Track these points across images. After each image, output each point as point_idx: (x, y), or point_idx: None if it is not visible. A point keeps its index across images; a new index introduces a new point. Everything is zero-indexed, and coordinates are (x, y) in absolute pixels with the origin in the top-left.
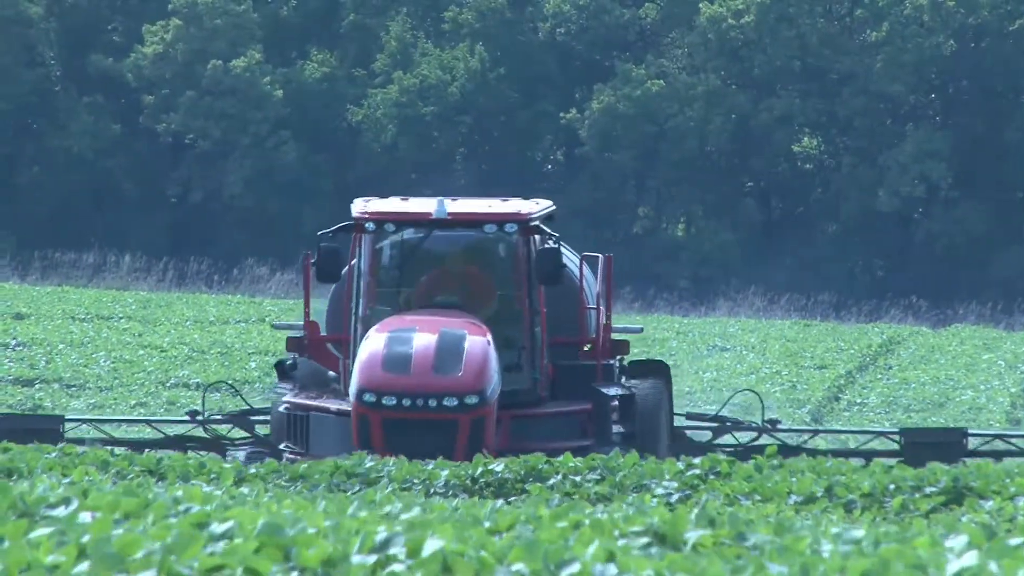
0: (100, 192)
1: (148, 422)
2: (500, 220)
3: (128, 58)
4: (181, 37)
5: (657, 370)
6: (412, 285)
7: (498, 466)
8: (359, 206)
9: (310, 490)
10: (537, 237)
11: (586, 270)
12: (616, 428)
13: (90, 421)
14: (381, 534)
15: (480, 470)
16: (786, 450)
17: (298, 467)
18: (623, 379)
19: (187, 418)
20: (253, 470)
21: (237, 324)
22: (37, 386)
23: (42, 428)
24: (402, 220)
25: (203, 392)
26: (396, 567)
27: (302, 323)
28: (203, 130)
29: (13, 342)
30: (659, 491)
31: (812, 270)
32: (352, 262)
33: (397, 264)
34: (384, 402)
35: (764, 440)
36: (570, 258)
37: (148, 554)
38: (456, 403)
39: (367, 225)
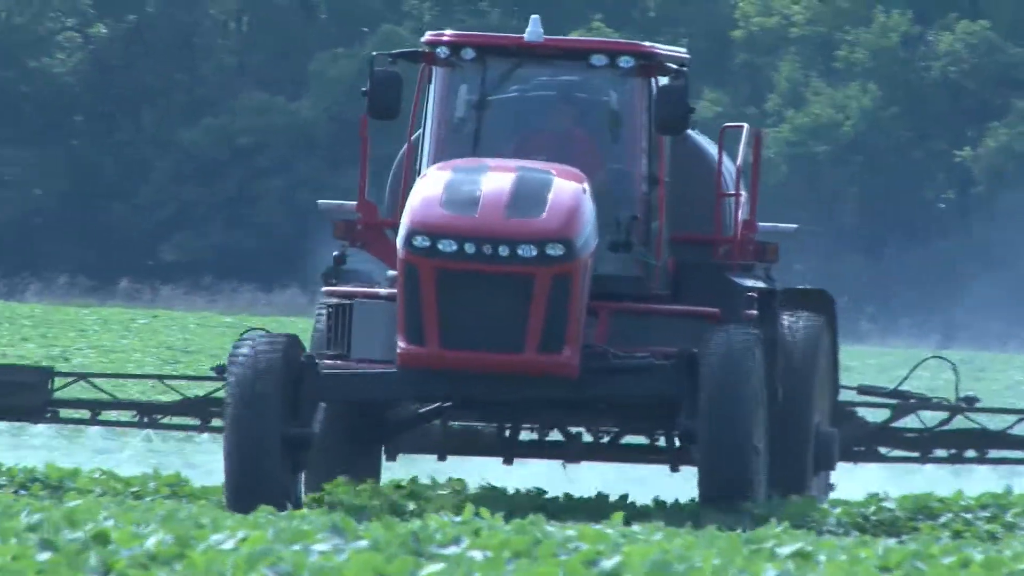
0: None
1: (160, 378)
2: (613, 51)
3: None
4: None
5: (815, 302)
6: (494, 139)
7: (890, 503)
8: (432, 32)
9: (700, 528)
10: (662, 80)
11: (726, 157)
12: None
13: (86, 376)
14: (768, 573)
15: (872, 508)
16: (986, 436)
17: (687, 506)
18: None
19: (213, 374)
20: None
21: None
22: None
23: (27, 382)
24: (484, 45)
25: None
26: None
27: (355, 204)
28: None
29: None
30: None
31: None
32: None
33: (476, 107)
34: (440, 247)
35: (958, 423)
36: (703, 136)
37: None
38: (535, 253)
39: (438, 51)
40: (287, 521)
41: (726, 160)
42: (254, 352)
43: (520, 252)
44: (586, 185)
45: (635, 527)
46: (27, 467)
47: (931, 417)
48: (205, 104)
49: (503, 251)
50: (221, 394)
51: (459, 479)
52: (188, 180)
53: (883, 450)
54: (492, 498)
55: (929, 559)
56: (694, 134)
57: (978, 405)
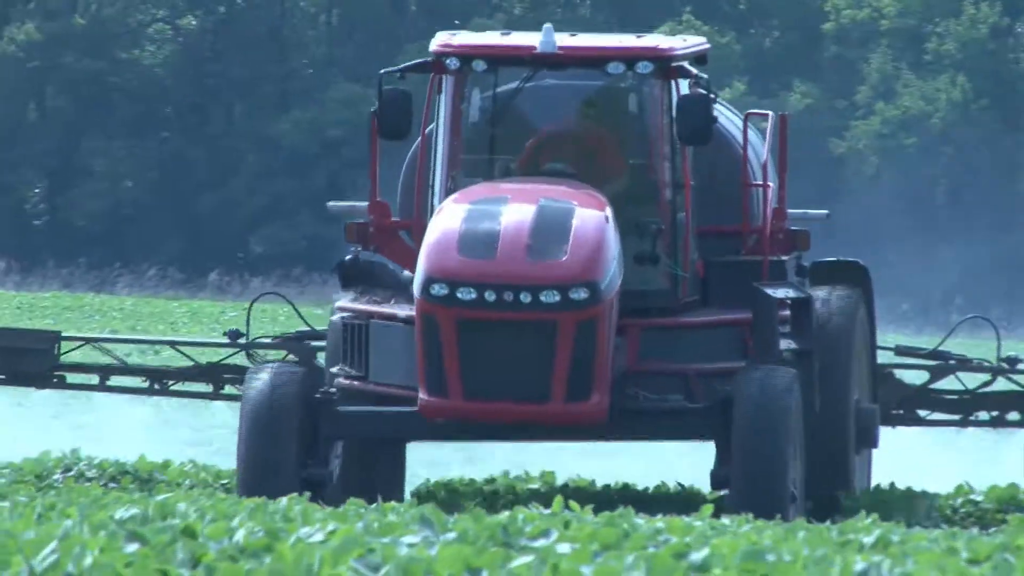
0: None
1: (172, 343)
2: (630, 57)
3: None
4: None
5: (850, 274)
6: (509, 148)
7: (977, 495)
8: (441, 38)
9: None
10: (683, 83)
11: (753, 136)
12: (786, 344)
13: (95, 340)
14: (859, 565)
15: (960, 500)
16: None
17: None
18: (802, 284)
19: (226, 340)
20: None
21: None
22: None
23: (34, 347)
24: (495, 56)
25: (249, 306)
26: None
27: (366, 204)
28: None
29: None
30: None
31: None
32: (427, 129)
33: (489, 119)
34: (459, 296)
35: (1000, 384)
36: (731, 119)
37: None
38: (558, 298)
39: (448, 62)
40: (376, 514)
41: (753, 145)
42: (269, 394)
43: (543, 298)
44: (609, 212)
45: (724, 519)
46: (118, 460)
47: (972, 380)
48: (295, 96)
49: (525, 297)
50: (235, 360)
51: (550, 472)
52: (278, 172)
53: (922, 413)
54: (580, 489)
55: (1018, 551)
56: (720, 118)
57: (1020, 366)
